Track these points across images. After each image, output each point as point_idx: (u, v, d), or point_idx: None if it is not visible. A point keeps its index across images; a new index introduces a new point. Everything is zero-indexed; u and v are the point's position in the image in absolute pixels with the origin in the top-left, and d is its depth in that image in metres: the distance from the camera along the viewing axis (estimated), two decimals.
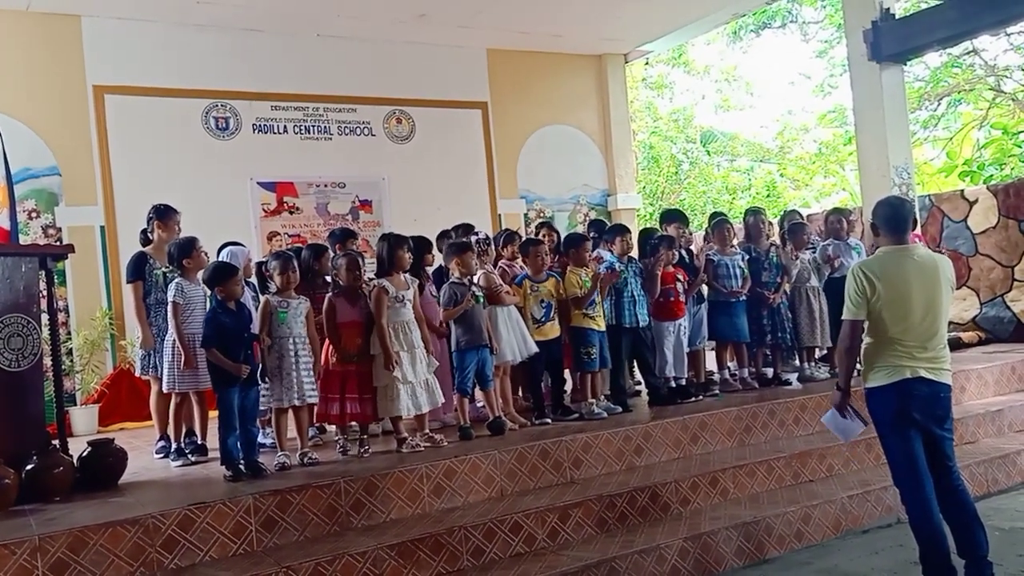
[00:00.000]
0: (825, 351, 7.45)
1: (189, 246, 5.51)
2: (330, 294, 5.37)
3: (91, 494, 4.63)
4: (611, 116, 11.64)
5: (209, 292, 5.28)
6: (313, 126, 9.66)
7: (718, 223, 7.07)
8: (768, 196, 19.14)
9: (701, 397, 6.43)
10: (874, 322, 3.88)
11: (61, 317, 7.89)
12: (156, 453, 5.72)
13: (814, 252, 7.30)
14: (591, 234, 6.93)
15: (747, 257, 6.93)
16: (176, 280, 5.43)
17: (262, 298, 5.24)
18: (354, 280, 5.33)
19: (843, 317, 3.96)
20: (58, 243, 8.06)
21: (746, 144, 20.71)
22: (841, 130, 18.80)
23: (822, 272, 7.17)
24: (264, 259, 5.55)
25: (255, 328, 5.11)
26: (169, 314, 5.37)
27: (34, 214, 8.21)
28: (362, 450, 5.21)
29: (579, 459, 5.21)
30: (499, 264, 6.37)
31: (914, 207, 4.42)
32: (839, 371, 4.15)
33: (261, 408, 5.18)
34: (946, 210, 9.52)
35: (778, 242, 7.31)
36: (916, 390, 3.80)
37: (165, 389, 5.51)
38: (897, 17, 9.29)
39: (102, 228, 8.47)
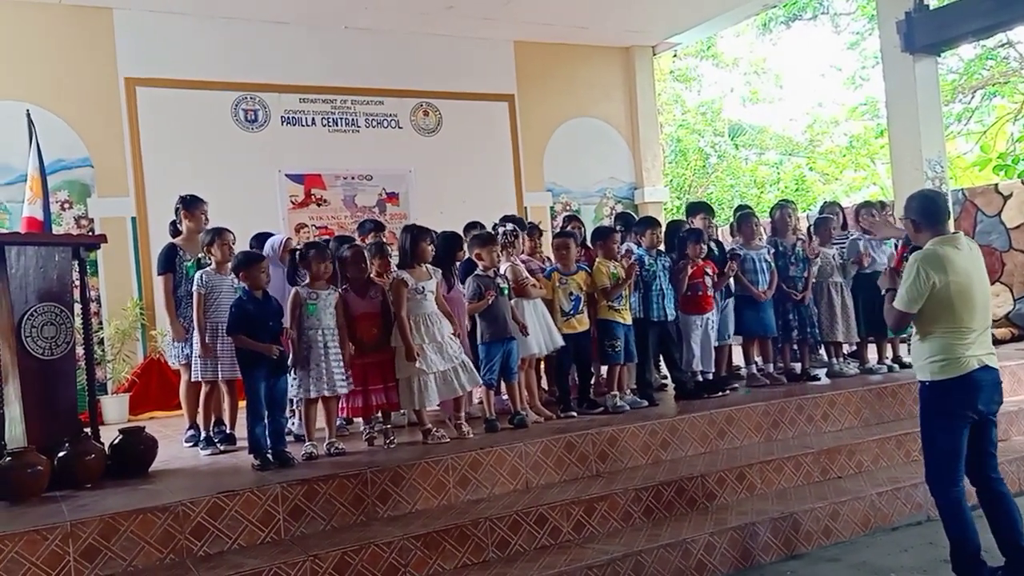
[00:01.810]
0: (854, 347, 7.37)
1: (214, 236, 5.58)
2: (340, 289, 5.36)
3: (122, 481, 4.69)
4: (638, 109, 11.57)
5: (237, 283, 5.36)
6: (341, 118, 9.69)
7: (744, 216, 7.01)
8: (797, 190, 18.96)
9: (727, 392, 6.38)
10: (940, 313, 3.81)
11: (93, 307, 7.97)
12: (185, 442, 5.78)
13: (842, 247, 7.21)
14: (618, 227, 6.90)
15: (773, 251, 6.86)
16: (202, 271, 5.50)
17: (291, 290, 5.25)
18: (360, 272, 5.32)
19: (897, 306, 3.88)
20: (90, 233, 8.16)
21: (775, 137, 20.51)
22: (872, 123, 18.57)
23: (847, 269, 7.07)
24: (297, 247, 5.58)
25: (284, 320, 5.15)
26: (194, 304, 5.45)
27: (67, 205, 8.32)
28: (388, 441, 5.23)
29: (605, 452, 5.19)
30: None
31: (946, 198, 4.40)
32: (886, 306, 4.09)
33: (290, 398, 5.21)
34: (980, 204, 9.38)
35: (804, 236, 7.24)
36: (983, 379, 3.81)
37: (192, 378, 5.58)
38: (931, 8, 9.16)
39: (133, 219, 8.56)
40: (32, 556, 3.67)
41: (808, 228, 7.43)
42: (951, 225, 8.05)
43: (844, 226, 7.69)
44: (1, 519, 3.99)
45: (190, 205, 6.01)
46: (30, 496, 4.33)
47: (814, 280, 6.93)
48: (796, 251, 6.89)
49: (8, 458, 4.45)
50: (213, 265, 5.56)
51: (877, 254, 7.09)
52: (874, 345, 7.26)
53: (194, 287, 5.47)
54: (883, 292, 4.18)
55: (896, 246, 7.29)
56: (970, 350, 3.80)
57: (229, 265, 5.46)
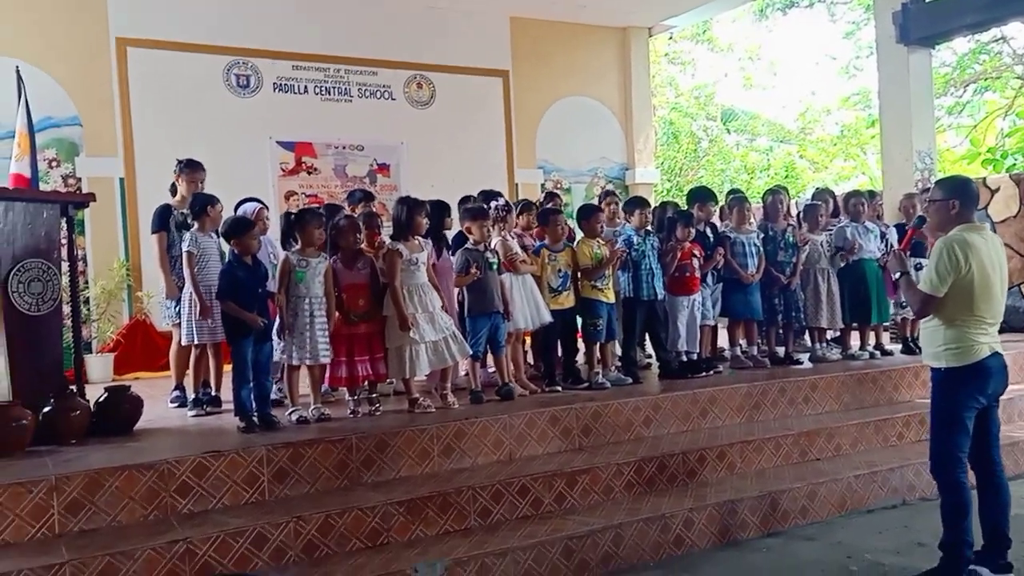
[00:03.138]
0: (838, 332, 7.44)
1: (209, 201, 5.57)
2: (330, 259, 5.35)
3: (106, 439, 4.69)
4: (632, 90, 11.57)
5: (225, 247, 5.35)
6: (334, 87, 9.65)
7: (735, 200, 7.05)
8: (787, 177, 19.04)
9: (711, 373, 6.44)
10: (961, 300, 3.79)
11: (79, 266, 7.92)
12: (171, 402, 5.79)
13: (830, 234, 7.26)
14: (607, 198, 7.00)
15: (762, 236, 6.90)
16: (191, 231, 5.50)
17: (281, 255, 5.24)
18: (352, 243, 5.31)
19: (924, 288, 3.83)
20: (78, 192, 8.10)
21: (767, 124, 20.56)
22: (864, 113, 18.65)
23: (836, 259, 7.09)
24: (290, 212, 5.56)
25: (271, 286, 5.16)
26: (184, 264, 5.44)
27: (54, 163, 8.25)
28: (373, 408, 5.25)
29: (588, 427, 5.24)
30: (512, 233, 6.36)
31: None
32: (906, 290, 4.06)
33: (275, 361, 5.21)
34: None
35: (795, 222, 7.28)
36: (994, 365, 3.85)
37: (184, 341, 5.58)
38: (927, 0, 9.18)
39: (121, 180, 8.52)
40: (16, 508, 3.68)
41: (797, 214, 7.47)
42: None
43: (835, 213, 7.72)
44: None
45: (187, 169, 5.99)
46: (14, 449, 4.32)
47: (802, 266, 6.97)
48: (786, 237, 6.94)
49: None
50: (197, 226, 5.56)
51: (864, 241, 7.15)
52: (857, 332, 7.33)
53: (185, 247, 5.46)
54: (895, 276, 4.13)
55: (880, 233, 7.37)
56: (983, 337, 3.82)
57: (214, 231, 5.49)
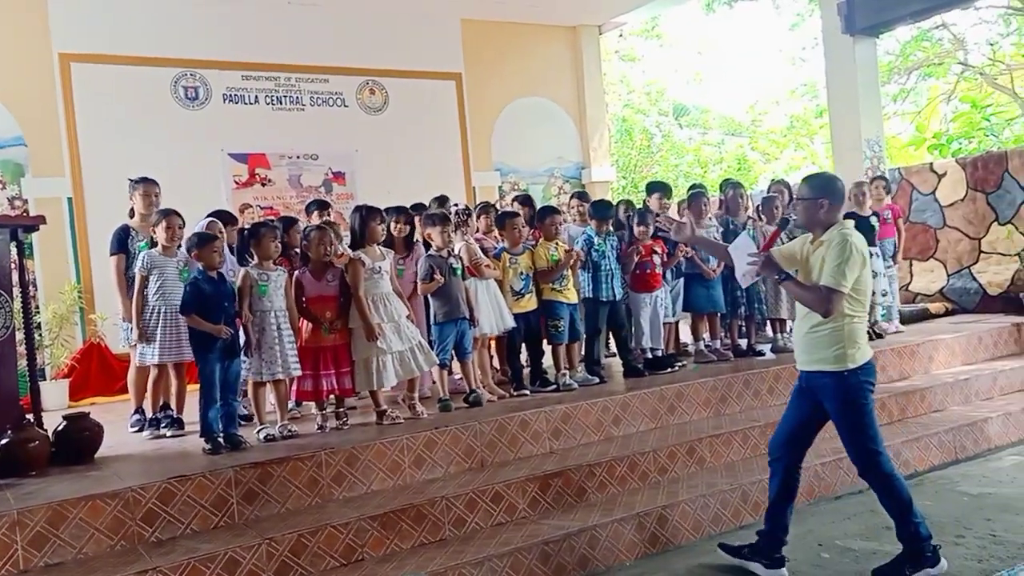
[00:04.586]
0: None
1: (161, 218, 5.46)
2: (297, 271, 5.30)
3: (67, 468, 4.58)
4: (585, 88, 11.62)
5: (185, 264, 5.27)
6: (285, 96, 9.53)
7: (694, 195, 7.10)
8: (739, 169, 19.26)
9: (676, 368, 6.48)
10: (857, 296, 3.76)
11: (30, 291, 7.74)
12: (131, 427, 5.66)
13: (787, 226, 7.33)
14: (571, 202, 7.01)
15: (723, 230, 6.97)
16: (146, 252, 5.40)
17: (240, 271, 5.16)
18: (323, 254, 5.26)
19: (832, 286, 3.67)
20: (25, 214, 7.89)
21: (718, 117, 20.79)
22: (812, 104, 18.94)
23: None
24: (243, 227, 5.48)
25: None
26: (135, 285, 5.36)
27: None
28: (340, 423, 5.19)
29: (558, 429, 5.24)
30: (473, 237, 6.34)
31: None
32: (798, 290, 3.83)
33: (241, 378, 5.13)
34: (915, 183, 9.65)
35: (754, 215, 7.36)
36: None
37: (147, 361, 5.46)
38: None
39: (69, 200, 8.31)
40: None
41: (756, 207, 7.55)
42: (891, 203, 8.29)
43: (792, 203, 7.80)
44: None
45: (140, 185, 5.87)
46: None
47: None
48: (747, 230, 7.00)
49: None
50: (159, 247, 5.45)
51: None
52: None
53: (136, 268, 5.35)
54: (778, 279, 3.92)
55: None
56: (865, 335, 3.86)
57: (178, 247, 5.38)
